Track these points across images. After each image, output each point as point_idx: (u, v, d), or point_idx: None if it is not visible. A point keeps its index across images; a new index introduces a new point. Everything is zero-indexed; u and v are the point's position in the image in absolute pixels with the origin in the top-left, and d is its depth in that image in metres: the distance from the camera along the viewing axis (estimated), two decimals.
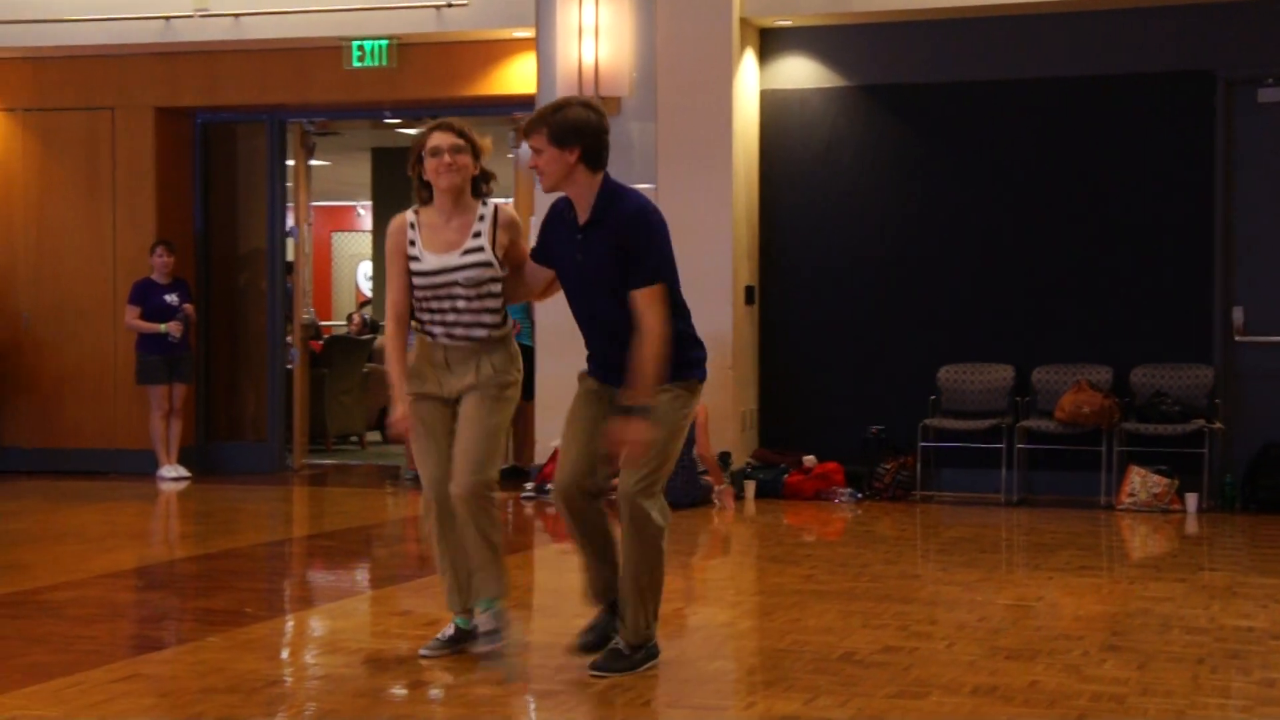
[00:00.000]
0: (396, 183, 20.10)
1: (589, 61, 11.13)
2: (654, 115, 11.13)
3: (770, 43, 11.57)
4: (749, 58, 11.39)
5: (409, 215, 5.59)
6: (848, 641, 5.90)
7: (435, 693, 5.21)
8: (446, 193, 5.51)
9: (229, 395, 13.21)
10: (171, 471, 12.20)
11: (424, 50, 12.14)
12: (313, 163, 14.05)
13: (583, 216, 5.33)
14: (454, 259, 5.47)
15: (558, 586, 7.39)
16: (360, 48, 12.12)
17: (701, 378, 5.44)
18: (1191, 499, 10.25)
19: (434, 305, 5.52)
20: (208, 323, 13.02)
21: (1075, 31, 11.00)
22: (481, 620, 5.52)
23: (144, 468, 12.37)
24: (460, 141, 5.50)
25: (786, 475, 10.96)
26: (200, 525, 10.25)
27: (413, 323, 5.61)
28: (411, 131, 16.70)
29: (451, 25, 11.89)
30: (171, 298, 12.23)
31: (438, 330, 5.53)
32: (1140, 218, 10.90)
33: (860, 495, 10.88)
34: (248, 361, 13.13)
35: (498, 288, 5.52)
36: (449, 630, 5.67)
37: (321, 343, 15.72)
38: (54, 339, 12.88)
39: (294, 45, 12.35)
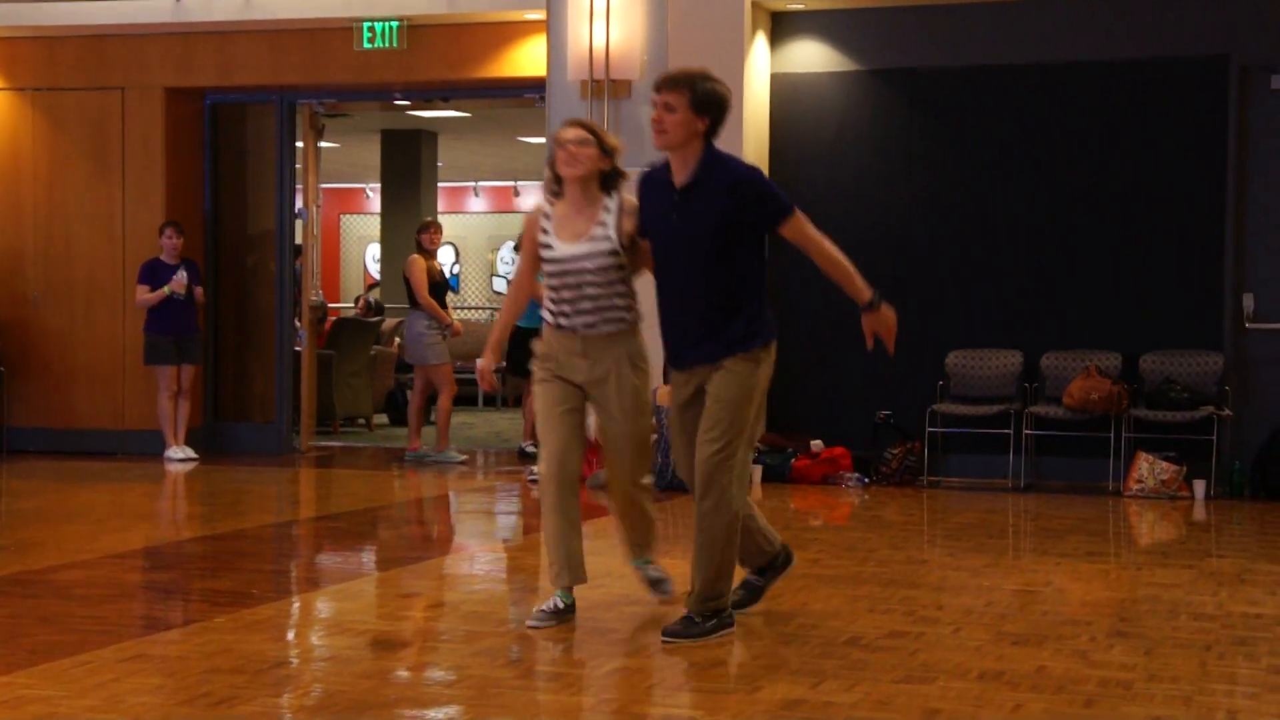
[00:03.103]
0: (406, 165, 20.30)
1: (600, 44, 11.10)
2: None
3: (782, 26, 11.54)
4: (760, 41, 11.36)
5: (544, 205, 5.95)
6: (854, 626, 5.90)
7: (440, 674, 5.21)
8: (573, 183, 5.84)
9: (237, 376, 13.22)
10: (179, 452, 12.21)
11: (434, 32, 12.12)
12: (322, 144, 14.05)
13: (682, 179, 5.59)
14: (580, 247, 5.81)
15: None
16: (370, 29, 12.11)
17: (765, 342, 5.65)
18: (1200, 486, 10.23)
19: (568, 295, 5.83)
20: (216, 304, 13.02)
21: (1088, 16, 10.97)
22: (651, 571, 6.17)
23: (152, 448, 12.38)
24: (586, 134, 5.83)
25: (794, 460, 10.96)
26: (207, 506, 10.26)
27: (546, 312, 5.91)
28: (422, 114, 16.72)
29: (462, 7, 11.86)
30: (182, 291, 12.20)
31: (578, 322, 5.83)
32: (1151, 204, 10.87)
33: (867, 480, 10.87)
34: (256, 343, 13.13)
35: (625, 274, 5.86)
36: (554, 602, 5.88)
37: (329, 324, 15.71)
38: (63, 319, 12.89)
39: (305, 26, 12.33)
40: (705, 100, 5.55)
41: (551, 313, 5.88)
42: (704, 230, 5.53)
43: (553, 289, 5.88)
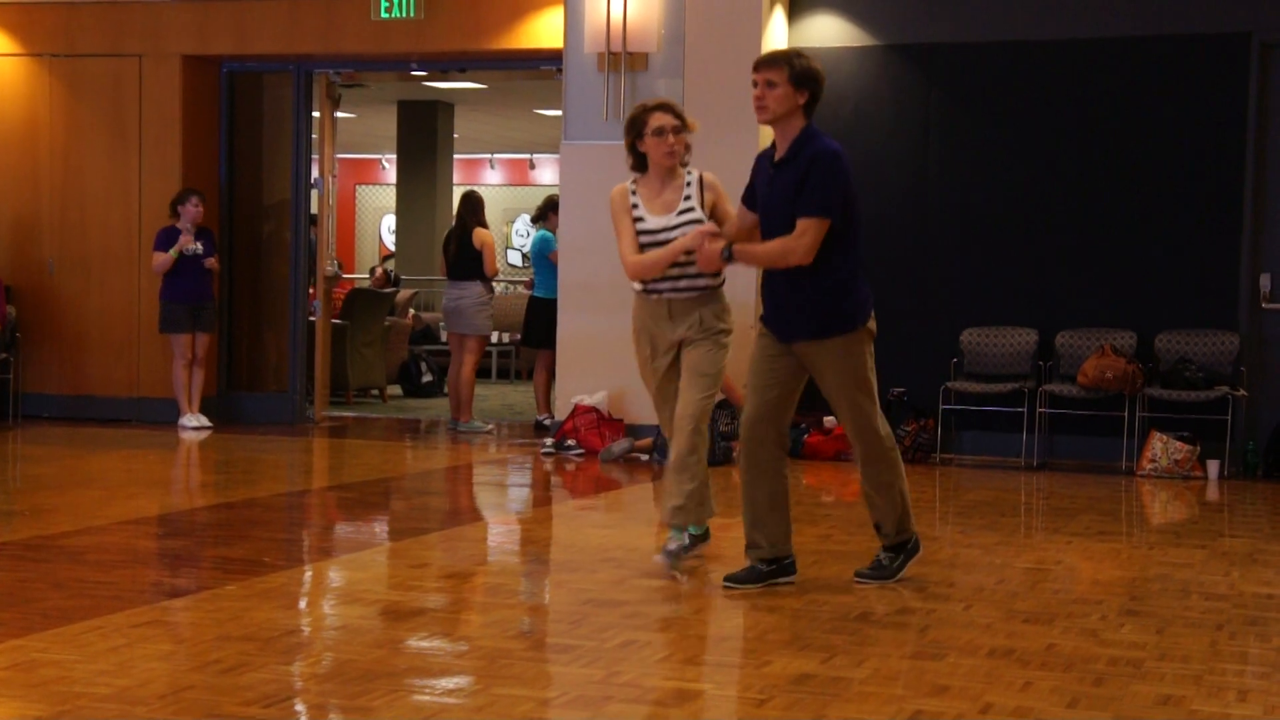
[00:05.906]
0: (422, 136, 20.25)
1: (617, 16, 11.07)
2: (681, 72, 11.07)
3: (799, 0, 11.48)
4: (778, 15, 11.32)
5: (628, 184, 6.46)
6: (865, 602, 5.90)
7: (451, 645, 5.22)
8: (666, 167, 6.39)
9: (251, 346, 13.24)
10: (193, 420, 12.24)
11: (452, 2, 12.07)
12: (339, 115, 14.03)
13: (780, 153, 5.94)
14: (672, 219, 6.34)
15: (573, 542, 7.40)
16: None
17: (864, 320, 6.02)
18: (1213, 466, 10.21)
19: None
20: (231, 273, 13.03)
21: None
22: (682, 539, 6.41)
23: (166, 416, 12.41)
24: (679, 123, 6.41)
25: (806, 436, 10.95)
26: (220, 475, 10.28)
27: (636, 281, 6.42)
28: (439, 85, 16.69)
29: None
30: (196, 246, 12.22)
31: (664, 286, 6.37)
32: (1168, 182, 10.82)
33: None
34: (270, 312, 13.15)
35: None
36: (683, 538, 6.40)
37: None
38: (78, 286, 12.91)
39: None
40: (804, 75, 5.86)
41: (645, 282, 6.37)
42: (787, 204, 5.83)
43: None
